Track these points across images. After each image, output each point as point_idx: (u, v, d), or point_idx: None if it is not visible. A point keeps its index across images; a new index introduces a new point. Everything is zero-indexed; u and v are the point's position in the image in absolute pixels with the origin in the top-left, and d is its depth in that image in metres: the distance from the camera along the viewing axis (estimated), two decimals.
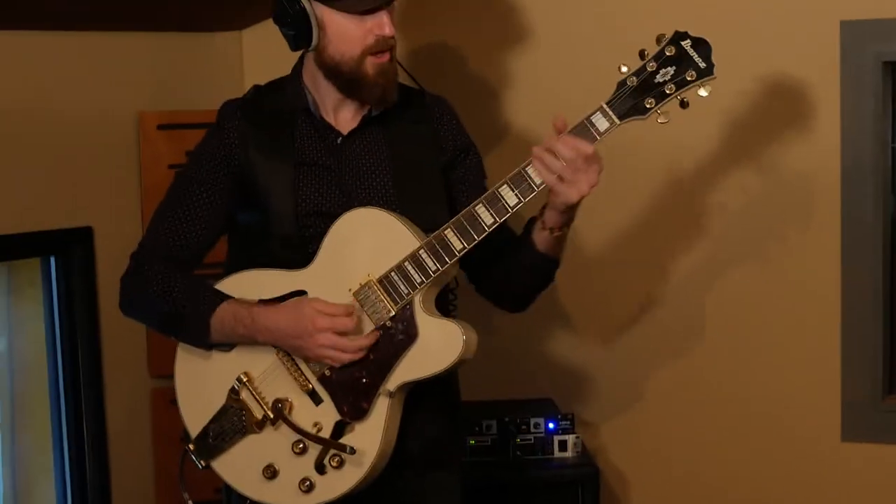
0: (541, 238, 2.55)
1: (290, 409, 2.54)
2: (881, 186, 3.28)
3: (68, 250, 3.30)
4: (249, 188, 2.61)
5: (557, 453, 3.32)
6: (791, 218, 3.34)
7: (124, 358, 3.42)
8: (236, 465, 2.58)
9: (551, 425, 3.33)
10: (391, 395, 2.49)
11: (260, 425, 2.56)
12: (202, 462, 2.60)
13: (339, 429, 2.50)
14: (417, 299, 2.49)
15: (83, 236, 3.31)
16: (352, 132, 2.64)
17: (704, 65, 2.41)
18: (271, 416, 2.54)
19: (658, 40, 2.43)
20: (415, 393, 2.55)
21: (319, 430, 2.52)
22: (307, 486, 2.52)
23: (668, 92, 2.42)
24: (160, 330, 2.65)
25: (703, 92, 2.43)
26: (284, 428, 2.53)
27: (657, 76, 2.42)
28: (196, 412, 2.61)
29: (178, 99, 3.53)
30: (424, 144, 2.68)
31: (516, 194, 2.46)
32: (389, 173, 2.63)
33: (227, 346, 2.59)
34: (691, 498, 3.51)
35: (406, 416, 2.55)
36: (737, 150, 3.35)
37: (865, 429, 3.32)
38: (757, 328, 3.41)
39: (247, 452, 2.56)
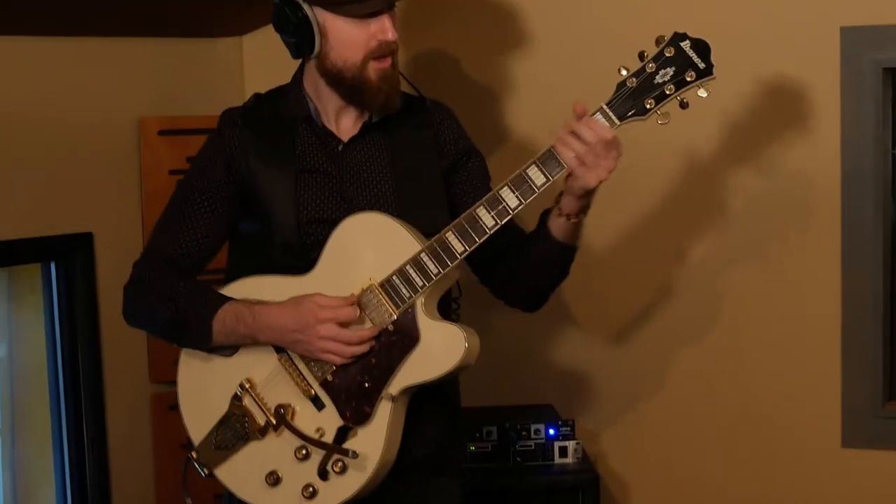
0: (557, 225, 2.55)
1: (293, 414, 2.54)
2: (881, 192, 3.28)
3: (69, 256, 3.30)
4: (250, 196, 2.61)
5: (558, 459, 3.33)
6: (791, 223, 3.35)
7: (124, 363, 3.42)
8: (239, 473, 2.57)
9: (552, 431, 3.33)
10: (394, 399, 2.49)
11: (263, 432, 2.55)
12: (205, 470, 2.60)
13: (342, 434, 2.50)
14: (419, 303, 2.49)
15: (84, 242, 3.31)
16: (352, 139, 2.64)
17: (704, 65, 2.43)
18: (274, 422, 2.54)
19: (657, 42, 2.44)
20: (416, 398, 2.55)
21: (322, 436, 2.51)
22: (310, 493, 2.51)
23: (667, 92, 2.43)
24: (164, 336, 2.65)
25: (702, 93, 2.44)
26: (287, 434, 2.53)
27: (657, 77, 2.43)
28: (199, 419, 2.60)
29: (179, 104, 3.53)
30: (425, 150, 2.68)
31: (517, 196, 2.46)
32: (390, 179, 2.63)
33: (228, 350, 2.58)
34: None
35: (407, 421, 2.54)
36: (737, 155, 3.35)
37: (866, 435, 3.32)
38: (757, 334, 3.41)
39: (249, 459, 2.56)
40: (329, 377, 2.52)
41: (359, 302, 2.51)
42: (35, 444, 3.38)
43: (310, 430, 2.52)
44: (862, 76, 3.24)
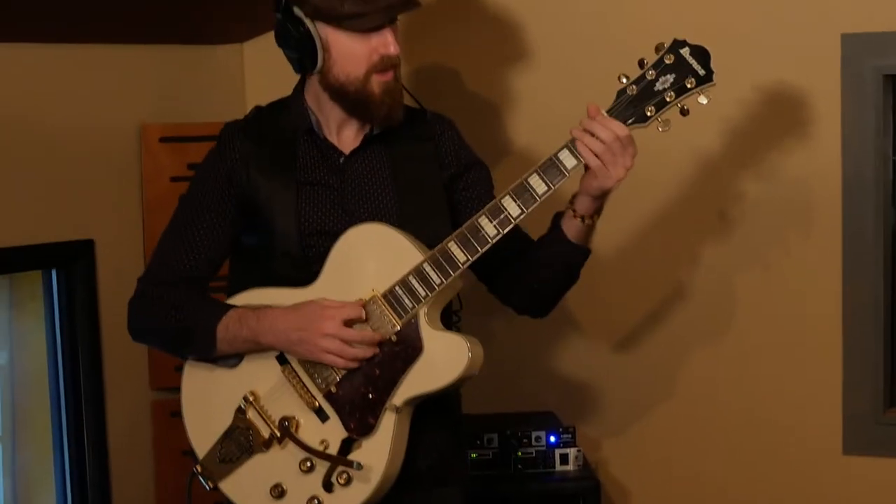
0: (571, 226, 2.55)
1: (297, 426, 2.54)
2: (882, 200, 3.28)
3: (70, 263, 3.29)
4: (252, 209, 2.60)
5: (559, 467, 3.33)
6: (792, 230, 3.35)
7: (125, 370, 3.42)
8: (244, 486, 2.57)
9: (553, 439, 3.33)
10: (398, 410, 2.48)
11: (267, 444, 2.55)
12: (210, 483, 2.59)
13: (347, 446, 2.50)
14: (422, 313, 2.49)
15: (85, 249, 3.31)
16: (354, 151, 2.64)
17: (704, 72, 2.43)
18: (278, 434, 2.53)
19: (657, 49, 2.45)
20: (419, 408, 2.54)
21: (326, 448, 2.51)
22: None
23: (668, 100, 2.44)
24: (169, 347, 2.65)
25: (702, 99, 2.44)
26: (291, 446, 2.52)
27: (657, 84, 2.44)
28: (203, 432, 2.60)
29: (180, 111, 3.53)
30: (426, 161, 2.68)
31: (519, 205, 2.46)
32: (392, 192, 2.63)
33: (233, 360, 2.58)
34: None
35: (410, 432, 2.54)
36: (738, 161, 3.36)
37: (866, 442, 3.32)
38: (758, 341, 3.42)
39: (254, 472, 2.55)
40: (333, 389, 2.52)
41: None
42: (36, 450, 3.38)
43: (314, 443, 2.52)
44: (863, 83, 3.24)
